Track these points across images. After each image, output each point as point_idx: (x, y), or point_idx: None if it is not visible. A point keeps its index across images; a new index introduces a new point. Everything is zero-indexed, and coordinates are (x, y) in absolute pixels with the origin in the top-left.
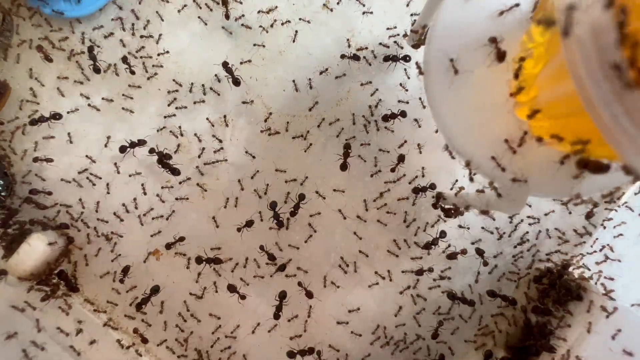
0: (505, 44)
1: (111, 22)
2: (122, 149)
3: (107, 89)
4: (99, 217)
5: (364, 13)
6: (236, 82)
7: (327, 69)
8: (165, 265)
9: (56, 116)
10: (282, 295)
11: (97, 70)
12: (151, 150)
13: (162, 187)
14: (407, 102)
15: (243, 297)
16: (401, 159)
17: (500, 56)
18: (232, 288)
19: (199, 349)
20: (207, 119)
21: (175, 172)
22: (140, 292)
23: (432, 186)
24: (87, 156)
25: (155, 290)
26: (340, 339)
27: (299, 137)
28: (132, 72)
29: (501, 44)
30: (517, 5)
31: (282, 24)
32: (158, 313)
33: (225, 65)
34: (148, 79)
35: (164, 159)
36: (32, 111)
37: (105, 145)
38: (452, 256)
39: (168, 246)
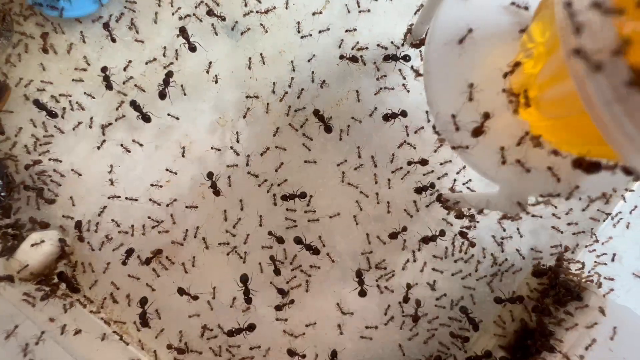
0: (505, 48)
1: (111, 24)
2: (147, 119)
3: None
4: (100, 216)
5: (360, 11)
6: (192, 48)
7: (324, 81)
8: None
9: (52, 113)
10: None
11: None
12: (209, 175)
13: (161, 186)
14: (393, 89)
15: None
16: (424, 162)
17: (476, 132)
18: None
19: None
20: (208, 119)
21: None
22: (143, 292)
23: (432, 185)
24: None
25: (144, 302)
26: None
27: (298, 136)
28: (113, 40)
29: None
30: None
31: (299, 25)
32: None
33: (182, 30)
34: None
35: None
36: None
37: (99, 148)
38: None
39: (147, 261)
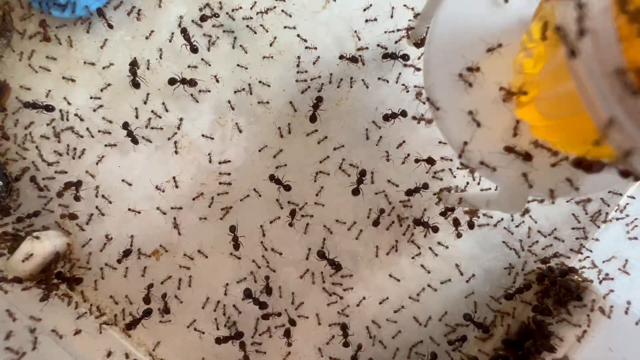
0: (506, 47)
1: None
2: (137, 85)
3: (107, 86)
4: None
5: (364, 11)
6: (194, 49)
7: (323, 84)
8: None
9: (48, 107)
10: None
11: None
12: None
13: (158, 188)
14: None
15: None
16: (431, 161)
17: (527, 157)
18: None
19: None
20: (208, 119)
21: None
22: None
23: (425, 186)
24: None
25: (148, 312)
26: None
27: (298, 137)
28: (110, 26)
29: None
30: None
31: (285, 27)
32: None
33: (183, 31)
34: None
35: None
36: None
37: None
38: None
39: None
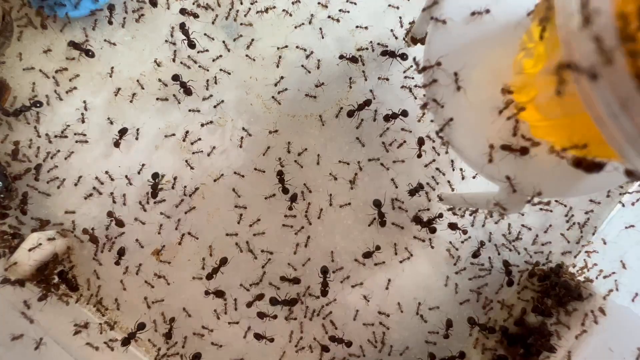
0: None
1: (109, 26)
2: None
3: (108, 85)
4: (100, 217)
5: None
6: (191, 45)
7: (323, 83)
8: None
9: (37, 104)
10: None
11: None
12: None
13: (162, 189)
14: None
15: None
16: (421, 142)
17: (523, 151)
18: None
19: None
20: (207, 118)
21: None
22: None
23: (421, 186)
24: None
25: (141, 327)
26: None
27: (298, 136)
28: (110, 23)
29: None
30: (487, 11)
31: (297, 26)
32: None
33: (182, 26)
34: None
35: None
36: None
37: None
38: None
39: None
